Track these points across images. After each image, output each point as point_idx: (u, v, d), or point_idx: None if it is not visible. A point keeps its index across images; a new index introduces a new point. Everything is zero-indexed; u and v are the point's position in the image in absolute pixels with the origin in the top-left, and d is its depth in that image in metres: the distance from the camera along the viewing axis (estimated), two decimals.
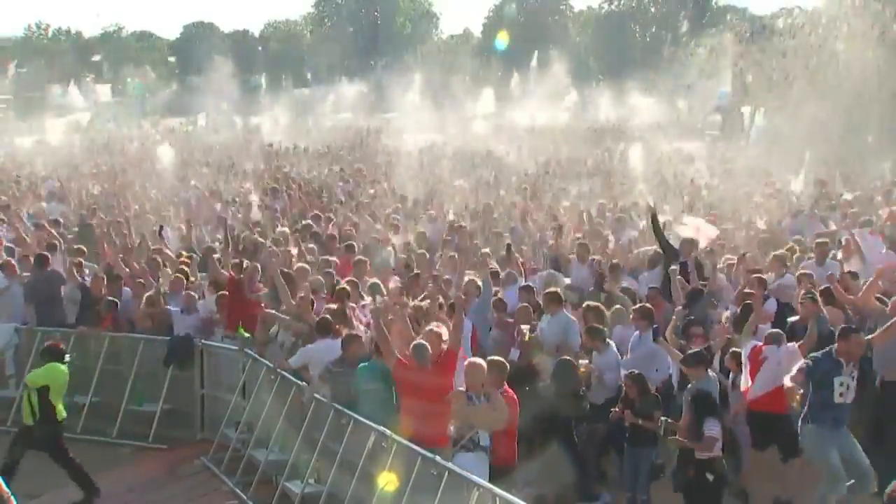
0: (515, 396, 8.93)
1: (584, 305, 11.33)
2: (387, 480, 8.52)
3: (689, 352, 9.57)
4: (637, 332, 10.58)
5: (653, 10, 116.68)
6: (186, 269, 13.78)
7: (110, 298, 13.07)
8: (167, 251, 15.12)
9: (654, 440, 9.22)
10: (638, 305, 11.01)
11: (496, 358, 9.12)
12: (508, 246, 14.12)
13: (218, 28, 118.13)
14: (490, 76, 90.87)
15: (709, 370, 9.36)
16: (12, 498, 2.11)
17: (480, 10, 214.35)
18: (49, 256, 14.04)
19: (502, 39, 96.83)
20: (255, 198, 20.97)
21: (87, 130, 55.46)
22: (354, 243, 14.83)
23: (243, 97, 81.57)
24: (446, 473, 7.84)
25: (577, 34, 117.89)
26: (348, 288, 11.62)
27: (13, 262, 14.07)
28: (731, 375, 9.85)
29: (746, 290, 11.13)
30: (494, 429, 8.62)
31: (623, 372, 9.96)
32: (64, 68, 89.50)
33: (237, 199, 21.48)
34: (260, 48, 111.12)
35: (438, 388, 8.78)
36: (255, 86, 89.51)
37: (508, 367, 9.07)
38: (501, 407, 8.62)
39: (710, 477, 8.33)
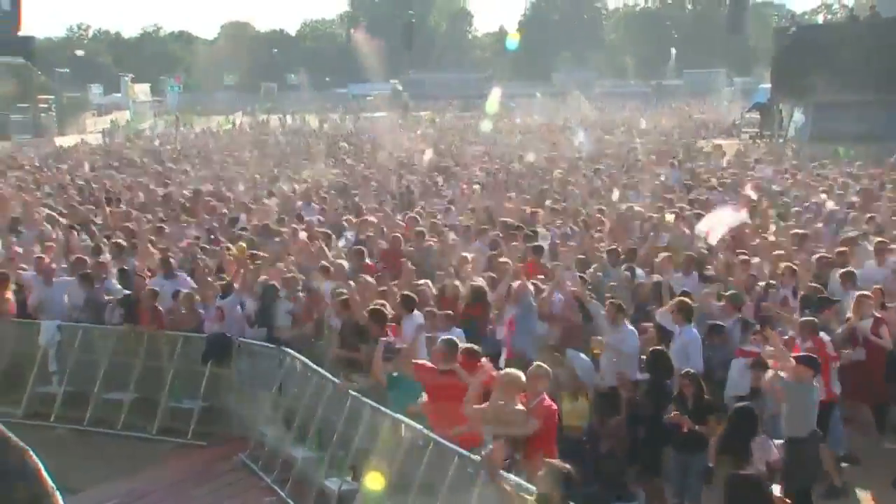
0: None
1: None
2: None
3: (803, 353, 9.23)
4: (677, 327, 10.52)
5: (689, 6, 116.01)
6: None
7: (151, 289, 13.14)
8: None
9: (705, 444, 8.97)
10: (677, 299, 10.92)
11: (508, 370, 8.89)
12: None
13: (254, 28, 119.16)
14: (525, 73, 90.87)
15: (814, 380, 8.99)
16: (57, 493, 2.14)
17: (516, 9, 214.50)
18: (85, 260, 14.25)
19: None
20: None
21: (123, 129, 56.09)
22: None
23: (280, 96, 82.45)
24: (483, 472, 7.83)
25: (612, 32, 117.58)
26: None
27: (53, 265, 14.19)
28: None
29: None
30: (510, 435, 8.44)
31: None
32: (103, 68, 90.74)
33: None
34: (296, 48, 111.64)
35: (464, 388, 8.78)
36: (291, 84, 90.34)
37: (519, 377, 8.56)
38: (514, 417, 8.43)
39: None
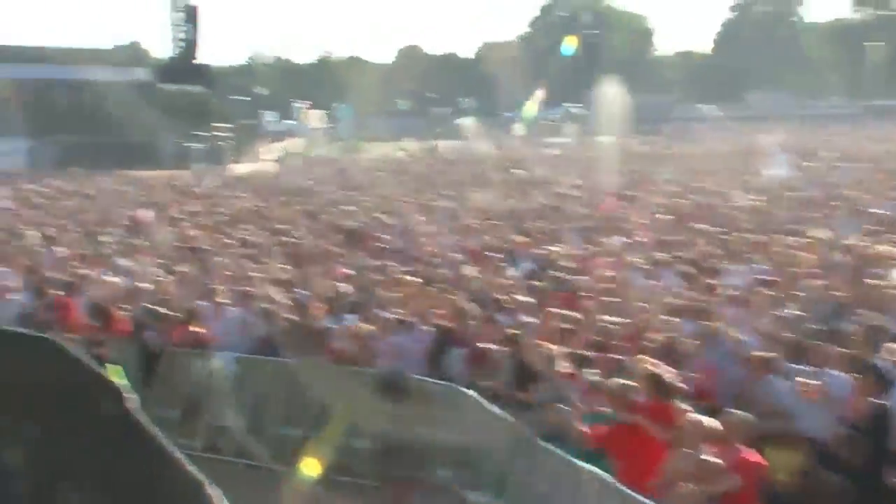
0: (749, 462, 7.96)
1: None
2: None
3: None
4: None
5: None
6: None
7: (325, 326, 13.07)
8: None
9: None
10: None
11: (693, 415, 8.18)
12: None
13: (423, 51, 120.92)
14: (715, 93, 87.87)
15: None
16: None
17: (710, 27, 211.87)
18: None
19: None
20: None
21: (296, 157, 57.38)
22: None
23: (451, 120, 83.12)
24: None
25: (813, 48, 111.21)
26: None
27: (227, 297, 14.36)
28: None
29: None
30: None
31: None
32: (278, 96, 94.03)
33: None
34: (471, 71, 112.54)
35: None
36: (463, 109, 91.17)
37: (703, 423, 7.97)
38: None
39: None
